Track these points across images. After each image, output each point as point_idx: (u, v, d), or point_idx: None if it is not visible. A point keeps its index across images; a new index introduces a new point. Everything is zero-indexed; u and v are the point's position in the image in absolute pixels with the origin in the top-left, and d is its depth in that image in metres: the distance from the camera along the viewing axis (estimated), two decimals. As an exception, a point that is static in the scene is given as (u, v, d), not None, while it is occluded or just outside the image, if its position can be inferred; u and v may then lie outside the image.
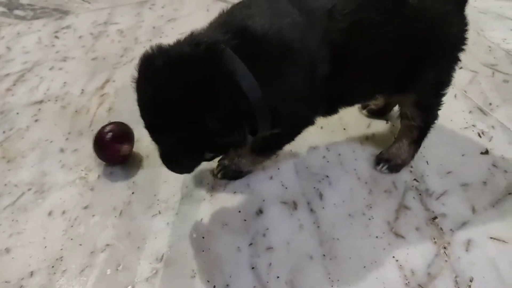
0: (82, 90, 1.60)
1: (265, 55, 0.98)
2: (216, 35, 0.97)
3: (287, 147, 1.30)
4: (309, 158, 1.36)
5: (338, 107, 1.20)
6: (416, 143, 1.30)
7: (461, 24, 1.13)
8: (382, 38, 1.07)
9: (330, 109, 1.20)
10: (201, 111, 0.91)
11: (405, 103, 1.25)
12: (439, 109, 1.26)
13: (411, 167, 1.32)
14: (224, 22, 1.02)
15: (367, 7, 1.04)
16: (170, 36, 1.89)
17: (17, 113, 1.50)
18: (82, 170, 1.31)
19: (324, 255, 1.10)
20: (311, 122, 1.18)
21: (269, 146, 1.23)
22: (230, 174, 1.29)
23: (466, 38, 1.14)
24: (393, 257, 1.10)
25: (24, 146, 1.39)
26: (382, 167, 1.30)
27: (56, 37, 1.90)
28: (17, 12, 2.07)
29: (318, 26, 1.02)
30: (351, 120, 1.47)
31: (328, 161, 1.34)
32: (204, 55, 0.93)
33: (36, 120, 1.48)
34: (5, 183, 1.27)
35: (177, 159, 1.00)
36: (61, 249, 1.11)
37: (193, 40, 0.97)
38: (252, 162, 1.28)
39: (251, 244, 1.13)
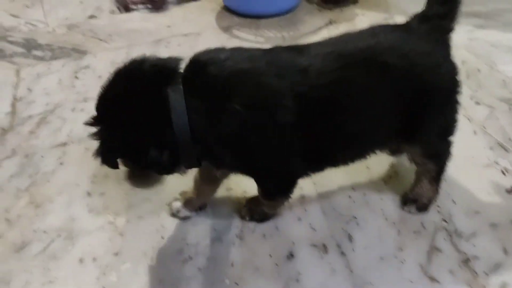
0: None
1: (206, 97, 1.00)
2: (178, 62, 1.04)
3: (312, 188, 1.32)
4: (335, 198, 1.36)
5: (323, 166, 1.19)
6: (436, 179, 1.30)
7: (450, 70, 1.13)
8: (367, 100, 1.08)
9: (314, 168, 1.19)
10: (124, 120, 1.02)
11: (412, 153, 1.25)
12: (450, 151, 1.26)
13: (438, 206, 1.32)
14: (194, 55, 1.06)
15: (349, 70, 1.04)
16: (188, 75, 1.92)
17: (42, 156, 1.52)
18: (109, 215, 1.31)
19: (359, 301, 1.10)
20: (295, 176, 1.17)
21: (273, 191, 1.22)
22: (256, 217, 1.30)
23: (459, 81, 1.15)
24: (429, 302, 1.09)
25: (51, 190, 1.39)
26: (410, 208, 1.31)
27: (76, 77, 1.92)
28: (35, 52, 2.11)
29: (286, 79, 1.01)
30: (374, 158, 1.47)
31: (354, 202, 1.35)
32: (154, 76, 1.02)
33: (61, 163, 1.49)
34: (34, 229, 1.27)
35: (100, 152, 1.07)
36: (94, 298, 1.11)
37: (157, 61, 1.06)
38: (270, 206, 1.28)
39: (285, 290, 1.12)
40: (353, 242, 1.23)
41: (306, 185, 1.38)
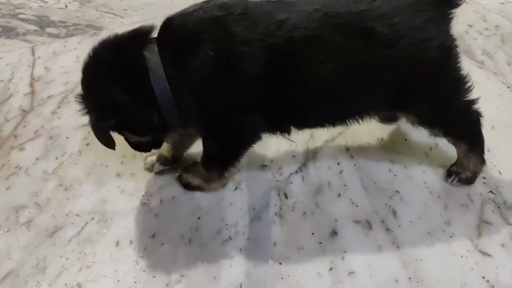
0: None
1: (177, 47, 1.04)
2: (150, 27, 1.10)
3: (349, 162, 1.27)
4: (374, 172, 1.31)
5: (287, 125, 1.17)
6: (473, 151, 1.23)
7: (443, 44, 1.07)
8: (344, 62, 1.04)
9: (276, 126, 1.17)
10: (113, 86, 1.05)
11: (411, 120, 1.20)
12: (468, 120, 1.19)
13: (484, 178, 1.26)
14: (167, 17, 1.10)
15: (329, 30, 1.02)
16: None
17: (67, 137, 1.46)
18: (143, 196, 1.27)
19: (410, 278, 1.05)
20: (250, 135, 1.16)
21: (214, 160, 1.22)
22: (181, 182, 1.29)
23: (455, 54, 1.09)
24: (483, 277, 1.05)
25: (80, 172, 1.34)
26: (453, 180, 1.25)
27: (94, 54, 1.85)
28: (49, 30, 2.03)
29: (258, 29, 1.01)
30: (412, 129, 1.41)
31: (395, 175, 1.29)
32: (129, 43, 1.08)
33: (87, 144, 1.43)
34: (66, 213, 1.23)
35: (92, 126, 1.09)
36: (135, 282, 1.07)
37: (136, 30, 1.10)
38: (204, 178, 1.25)
39: (331, 269, 1.08)
40: (398, 218, 1.18)
41: (343, 159, 1.33)
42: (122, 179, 1.32)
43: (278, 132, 1.20)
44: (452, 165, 1.28)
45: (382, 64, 1.04)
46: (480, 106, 1.17)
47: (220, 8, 1.04)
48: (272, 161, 1.35)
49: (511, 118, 1.45)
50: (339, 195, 1.25)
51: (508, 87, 1.57)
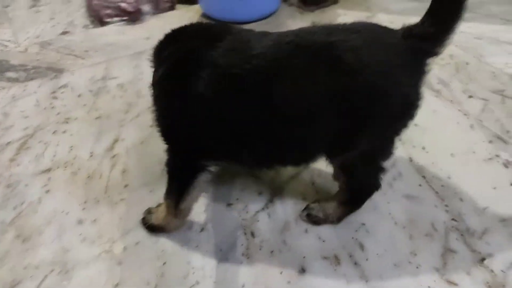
0: (91, 153, 1.53)
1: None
2: None
3: (313, 196, 1.28)
4: (340, 205, 1.31)
5: (230, 156, 1.15)
6: (346, 206, 1.23)
7: (406, 98, 1.01)
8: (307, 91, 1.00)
9: (222, 155, 1.14)
10: None
11: (334, 163, 1.16)
12: (372, 182, 1.18)
13: (446, 206, 1.29)
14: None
15: (290, 54, 0.99)
16: (173, 87, 1.85)
17: (26, 185, 1.42)
18: (105, 243, 1.23)
19: (379, 313, 1.05)
20: (192, 159, 1.14)
21: (167, 190, 1.20)
22: (144, 224, 1.26)
23: (411, 113, 1.04)
24: (451, 307, 1.05)
25: (39, 221, 1.30)
26: (303, 214, 1.27)
27: (54, 97, 1.83)
28: (9, 74, 2.00)
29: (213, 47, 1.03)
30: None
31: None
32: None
33: (47, 191, 1.39)
34: (25, 266, 1.18)
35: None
36: (98, 336, 1.03)
37: None
38: (164, 215, 1.23)
39: (300, 308, 1.06)
40: (365, 251, 1.18)
41: (309, 194, 1.34)
42: (84, 226, 1.28)
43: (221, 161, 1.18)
44: (315, 200, 1.29)
45: (342, 95, 0.99)
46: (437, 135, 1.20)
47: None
48: (237, 199, 1.34)
49: (469, 145, 1.49)
50: (306, 230, 1.24)
51: (465, 115, 1.63)
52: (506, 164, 1.41)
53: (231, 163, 1.19)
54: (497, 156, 1.44)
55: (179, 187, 1.17)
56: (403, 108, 1.03)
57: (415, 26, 0.99)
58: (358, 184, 1.19)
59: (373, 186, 1.20)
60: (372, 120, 1.01)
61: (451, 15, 0.97)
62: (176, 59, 1.06)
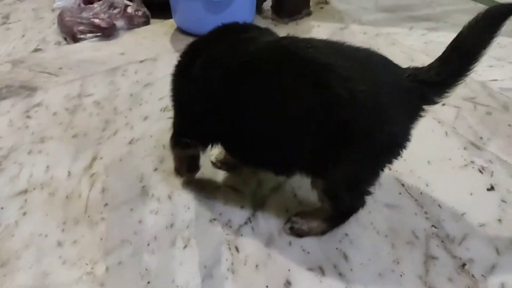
0: (69, 172, 1.50)
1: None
2: None
3: (296, 207, 1.32)
4: (322, 216, 1.32)
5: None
6: (330, 222, 1.24)
7: (395, 137, 1.01)
8: (285, 105, 1.01)
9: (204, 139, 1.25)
10: None
11: (316, 186, 1.15)
12: (356, 203, 1.20)
13: (426, 213, 1.31)
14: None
15: (281, 68, 1.01)
16: (150, 102, 1.84)
17: (2, 208, 1.38)
18: (87, 264, 1.20)
19: (366, 323, 1.05)
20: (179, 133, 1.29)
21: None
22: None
23: (399, 153, 1.05)
24: (435, 314, 1.07)
25: (17, 244, 1.26)
26: (286, 226, 1.27)
27: (28, 117, 1.79)
28: (-20, 94, 1.95)
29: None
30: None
31: (343, 218, 1.31)
32: None
33: (24, 213, 1.35)
34: (3, 292, 1.14)
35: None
36: None
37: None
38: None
39: (288, 322, 1.06)
40: (349, 261, 1.19)
41: (291, 205, 1.34)
42: (64, 248, 1.25)
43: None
44: (299, 212, 1.29)
45: (325, 121, 0.99)
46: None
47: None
48: (221, 214, 1.33)
49: (445, 152, 1.53)
50: (290, 243, 1.25)
51: (439, 122, 1.67)
52: (481, 170, 1.45)
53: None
54: (472, 162, 1.48)
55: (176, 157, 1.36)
56: (390, 147, 1.03)
57: (422, 71, 0.99)
58: (342, 207, 1.20)
59: (358, 205, 1.22)
60: (354, 152, 1.01)
61: (461, 68, 0.97)
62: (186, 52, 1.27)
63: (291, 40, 1.08)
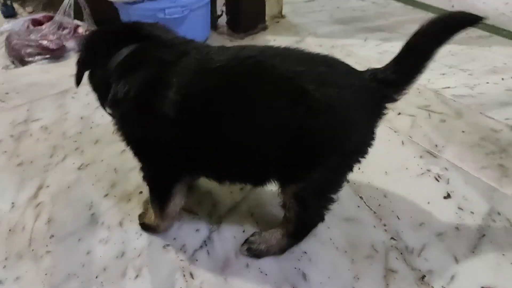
0: (12, 203, 1.41)
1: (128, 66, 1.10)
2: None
3: (253, 227, 1.25)
4: (280, 235, 1.28)
5: (202, 171, 1.20)
6: (290, 238, 1.21)
7: (366, 135, 1.06)
8: (255, 116, 1.00)
9: (194, 170, 1.20)
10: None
11: (286, 192, 1.12)
12: (320, 213, 1.18)
13: (384, 225, 1.29)
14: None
15: (252, 77, 1.00)
16: (102, 125, 1.77)
17: None
18: (30, 303, 1.12)
19: None
20: (165, 175, 1.18)
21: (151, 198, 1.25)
22: (139, 222, 1.31)
23: (366, 151, 1.08)
24: (397, 330, 1.04)
25: (-48, 286, 1.16)
26: (243, 248, 1.23)
27: (-29, 145, 1.69)
28: None
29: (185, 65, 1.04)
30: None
31: (301, 235, 1.28)
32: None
33: (-38, 251, 1.26)
34: None
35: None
36: None
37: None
38: (154, 217, 1.27)
39: None
40: (308, 280, 1.15)
41: (248, 225, 1.30)
42: (5, 287, 1.16)
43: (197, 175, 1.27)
44: (255, 233, 1.26)
45: (301, 127, 0.98)
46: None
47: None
48: (174, 238, 1.27)
49: (401, 161, 1.52)
50: (247, 265, 1.20)
51: (395, 132, 1.67)
52: (437, 178, 1.45)
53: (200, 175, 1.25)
54: (429, 170, 1.48)
55: (159, 197, 1.22)
56: (359, 146, 1.06)
57: (379, 71, 1.02)
58: (308, 215, 1.17)
59: (320, 217, 1.19)
60: (328, 155, 1.03)
61: (414, 67, 1.01)
62: (144, 82, 1.06)
63: (253, 50, 1.06)
